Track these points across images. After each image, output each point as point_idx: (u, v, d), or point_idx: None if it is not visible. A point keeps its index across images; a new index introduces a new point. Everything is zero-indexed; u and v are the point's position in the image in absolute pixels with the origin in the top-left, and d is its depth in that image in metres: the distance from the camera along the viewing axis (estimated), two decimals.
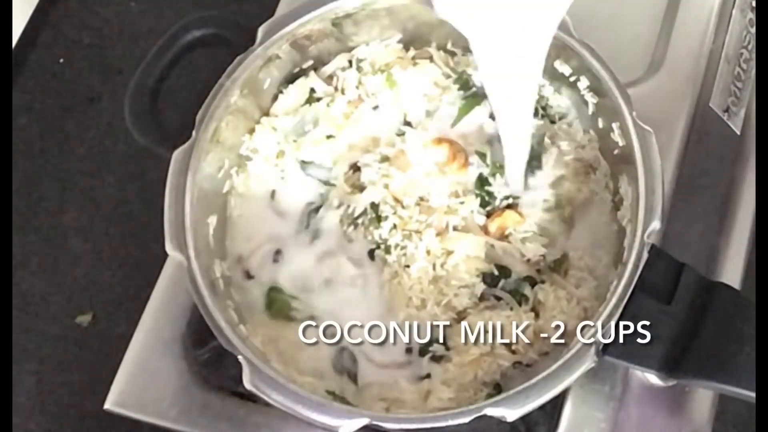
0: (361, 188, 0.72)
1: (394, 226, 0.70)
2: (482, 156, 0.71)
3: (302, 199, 0.73)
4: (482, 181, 0.71)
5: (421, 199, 0.71)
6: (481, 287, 0.68)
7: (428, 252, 0.69)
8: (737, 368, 0.58)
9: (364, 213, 0.71)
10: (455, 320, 0.68)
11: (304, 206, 0.73)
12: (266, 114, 0.75)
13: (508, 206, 0.70)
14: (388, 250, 0.69)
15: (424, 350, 0.67)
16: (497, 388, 0.65)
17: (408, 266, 0.68)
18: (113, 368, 0.72)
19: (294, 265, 0.71)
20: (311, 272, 0.71)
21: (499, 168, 0.71)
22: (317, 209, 0.72)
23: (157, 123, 0.72)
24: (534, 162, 0.71)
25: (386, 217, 0.70)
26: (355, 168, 0.73)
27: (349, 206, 0.71)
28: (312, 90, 0.75)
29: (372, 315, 0.68)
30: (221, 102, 0.69)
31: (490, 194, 0.70)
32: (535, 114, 0.72)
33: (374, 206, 0.70)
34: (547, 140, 0.71)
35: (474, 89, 0.74)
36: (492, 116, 0.72)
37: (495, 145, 0.72)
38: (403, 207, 0.70)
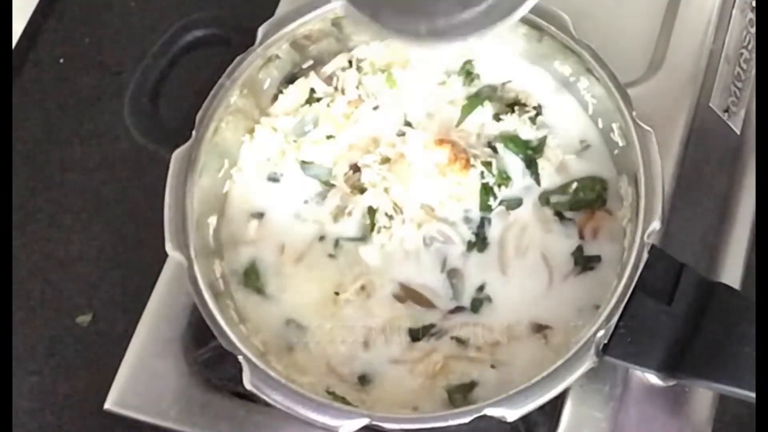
0: (361, 189, 0.71)
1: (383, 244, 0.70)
2: (488, 165, 0.70)
3: (301, 198, 0.73)
4: (487, 190, 0.70)
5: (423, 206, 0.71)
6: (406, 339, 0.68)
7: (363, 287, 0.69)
8: (737, 368, 0.58)
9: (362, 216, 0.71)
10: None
11: (302, 202, 0.73)
12: (266, 114, 0.74)
13: (595, 208, 0.69)
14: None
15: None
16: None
17: None
18: (113, 368, 0.72)
19: (272, 228, 0.71)
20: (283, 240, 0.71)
21: (505, 179, 0.70)
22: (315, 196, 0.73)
23: (157, 123, 0.72)
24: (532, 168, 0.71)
25: (379, 230, 0.70)
26: (356, 168, 0.73)
27: (347, 206, 0.71)
28: (312, 90, 0.75)
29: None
30: (221, 102, 0.69)
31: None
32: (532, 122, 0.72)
33: (372, 211, 0.70)
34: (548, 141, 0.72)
35: (475, 81, 0.74)
36: (494, 117, 0.72)
37: (499, 150, 0.72)
38: (401, 213, 0.70)
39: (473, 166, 0.70)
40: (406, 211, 0.70)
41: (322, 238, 0.71)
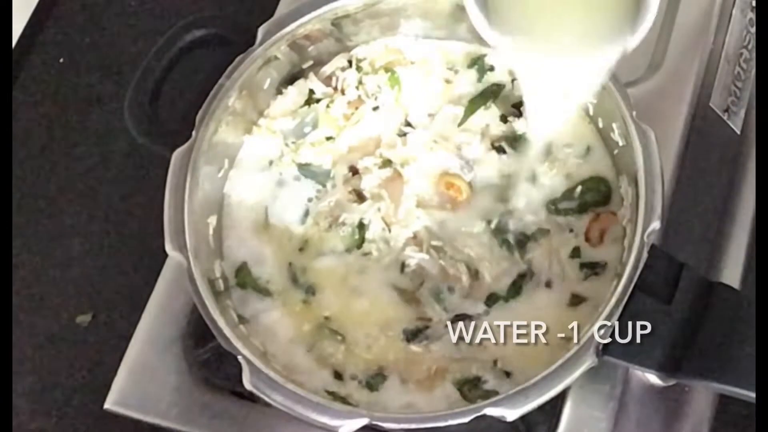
0: (359, 193, 0.71)
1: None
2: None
3: (298, 200, 0.73)
4: (500, 231, 0.69)
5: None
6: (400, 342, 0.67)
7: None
8: (737, 368, 0.58)
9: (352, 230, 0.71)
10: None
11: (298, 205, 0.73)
12: (265, 115, 0.74)
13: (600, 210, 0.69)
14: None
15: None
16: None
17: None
18: (113, 368, 0.72)
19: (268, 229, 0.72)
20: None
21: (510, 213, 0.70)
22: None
23: (157, 123, 0.72)
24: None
25: (368, 254, 0.69)
26: (355, 171, 0.72)
27: (340, 216, 0.71)
28: (311, 91, 0.75)
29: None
30: (221, 102, 0.69)
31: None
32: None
33: (361, 227, 0.70)
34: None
35: (487, 74, 0.74)
36: (501, 118, 0.72)
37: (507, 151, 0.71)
38: (389, 231, 0.70)
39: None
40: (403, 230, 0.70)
41: (312, 244, 0.71)
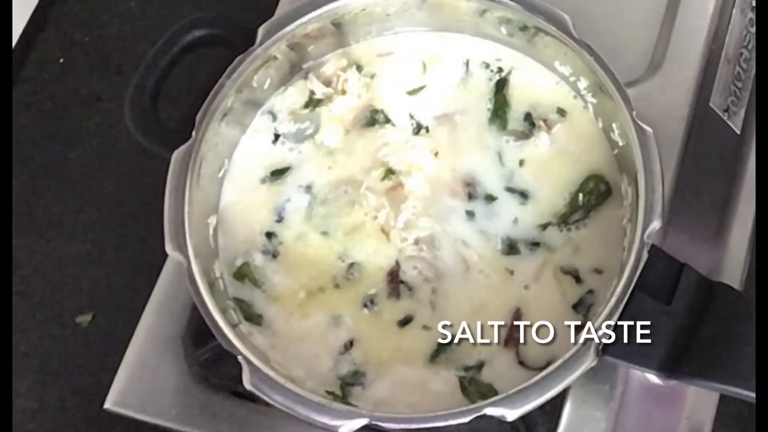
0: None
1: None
2: None
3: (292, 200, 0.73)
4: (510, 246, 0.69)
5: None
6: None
7: None
8: (737, 368, 0.58)
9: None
10: None
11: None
12: (266, 115, 0.74)
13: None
14: None
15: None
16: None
17: None
18: (113, 368, 0.72)
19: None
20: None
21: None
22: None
23: (157, 123, 0.72)
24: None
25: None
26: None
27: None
28: (312, 92, 0.74)
29: None
30: (221, 102, 0.69)
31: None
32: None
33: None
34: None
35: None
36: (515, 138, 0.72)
37: None
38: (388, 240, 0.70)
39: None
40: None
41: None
